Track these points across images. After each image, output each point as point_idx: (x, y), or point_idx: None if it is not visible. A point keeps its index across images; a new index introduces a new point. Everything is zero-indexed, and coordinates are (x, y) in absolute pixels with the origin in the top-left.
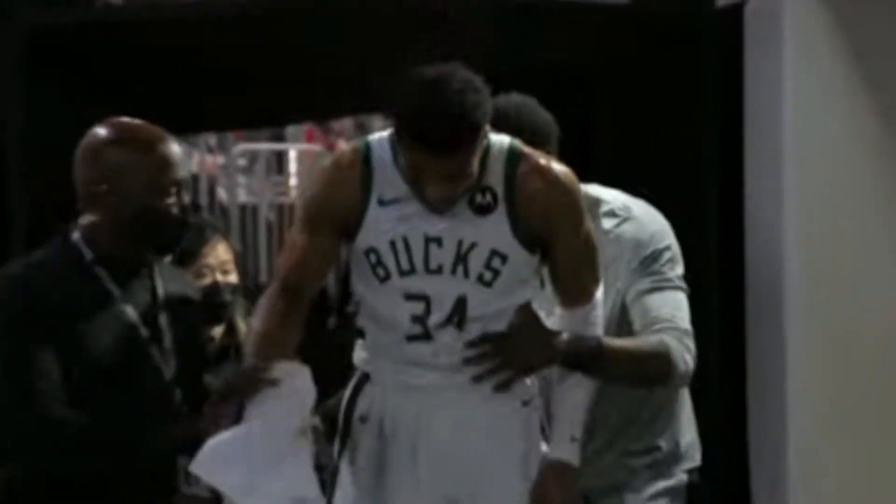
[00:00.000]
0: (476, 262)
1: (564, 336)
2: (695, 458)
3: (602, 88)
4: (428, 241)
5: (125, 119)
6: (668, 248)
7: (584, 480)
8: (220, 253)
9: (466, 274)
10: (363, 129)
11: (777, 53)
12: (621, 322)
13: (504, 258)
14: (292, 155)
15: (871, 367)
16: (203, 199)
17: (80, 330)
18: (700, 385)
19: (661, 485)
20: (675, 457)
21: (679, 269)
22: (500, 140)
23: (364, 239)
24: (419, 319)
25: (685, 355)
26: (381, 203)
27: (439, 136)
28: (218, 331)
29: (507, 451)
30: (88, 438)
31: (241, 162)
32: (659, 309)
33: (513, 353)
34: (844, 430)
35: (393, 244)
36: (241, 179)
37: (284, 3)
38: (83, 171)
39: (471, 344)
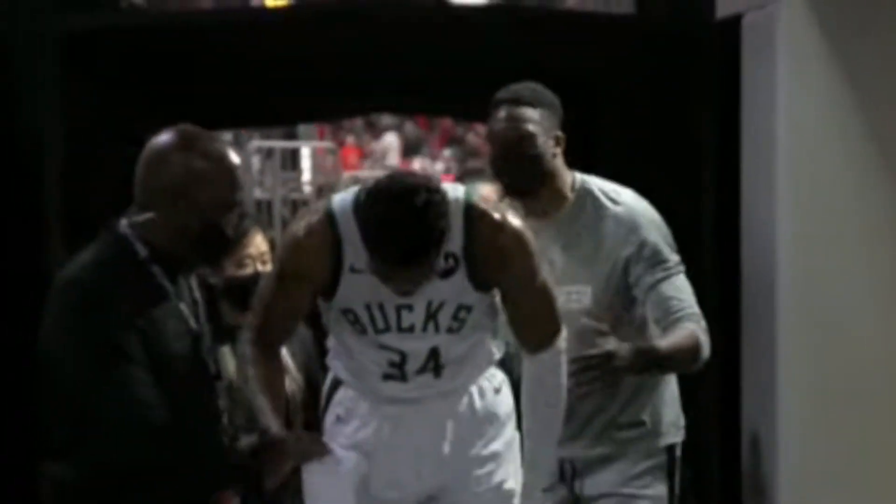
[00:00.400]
0: (445, 317)
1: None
2: (676, 435)
3: (606, 94)
4: (399, 307)
5: (196, 129)
6: (664, 235)
7: (572, 452)
8: (258, 243)
9: (437, 329)
10: (372, 127)
11: (771, 62)
12: (617, 288)
13: (469, 308)
14: (305, 152)
15: (858, 361)
16: None
17: (145, 325)
18: (697, 376)
19: (646, 464)
20: (658, 433)
21: (675, 253)
22: (455, 197)
23: (340, 300)
24: (396, 366)
25: (706, 337)
26: (353, 271)
27: (403, 254)
28: None
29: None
30: (174, 432)
31: (256, 158)
32: (672, 297)
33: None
34: (832, 421)
35: (368, 307)
36: (256, 176)
37: (294, 13)
38: (152, 172)
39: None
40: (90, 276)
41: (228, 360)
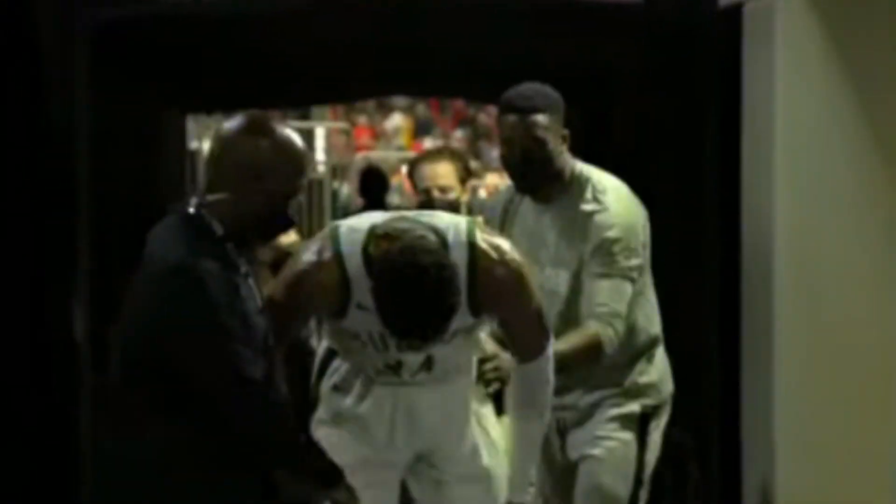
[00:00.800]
0: (443, 337)
1: None
2: (652, 396)
3: (611, 81)
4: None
5: (267, 115)
6: (624, 239)
7: (560, 413)
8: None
9: (434, 343)
10: (384, 108)
11: (770, 49)
12: (574, 284)
13: (468, 330)
14: (319, 132)
15: (853, 347)
16: None
17: (237, 303)
18: (700, 360)
19: (614, 412)
20: (634, 392)
21: (632, 261)
22: (457, 231)
23: (346, 325)
24: (392, 367)
25: (612, 337)
26: (360, 307)
27: (418, 334)
28: None
29: (464, 415)
30: (284, 411)
31: None
32: (597, 295)
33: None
34: (827, 404)
35: (371, 334)
36: None
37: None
38: (227, 155)
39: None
40: (187, 260)
41: None
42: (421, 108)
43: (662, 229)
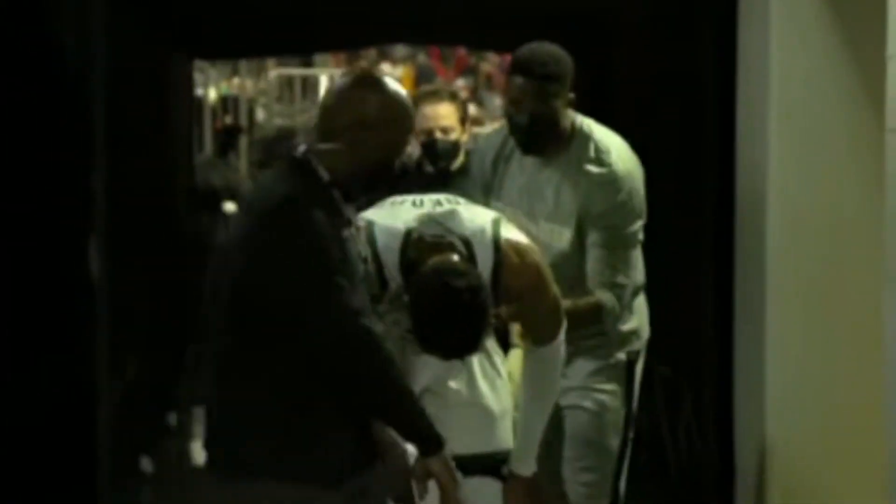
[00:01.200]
0: None
1: None
2: (634, 343)
3: (616, 43)
4: None
5: (380, 72)
6: (629, 204)
7: None
8: None
9: None
10: (385, 56)
11: (765, 6)
12: (575, 242)
13: None
14: (322, 79)
15: (842, 291)
16: (243, 121)
17: (342, 247)
18: (694, 303)
19: (601, 363)
20: (619, 341)
21: (637, 225)
22: (483, 234)
23: (381, 309)
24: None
25: (614, 307)
26: (392, 301)
27: (450, 355)
28: None
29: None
30: (391, 355)
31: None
32: (606, 265)
33: None
34: (818, 345)
35: (398, 324)
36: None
37: None
38: (347, 107)
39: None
40: (295, 195)
41: None
42: (422, 57)
43: (659, 176)
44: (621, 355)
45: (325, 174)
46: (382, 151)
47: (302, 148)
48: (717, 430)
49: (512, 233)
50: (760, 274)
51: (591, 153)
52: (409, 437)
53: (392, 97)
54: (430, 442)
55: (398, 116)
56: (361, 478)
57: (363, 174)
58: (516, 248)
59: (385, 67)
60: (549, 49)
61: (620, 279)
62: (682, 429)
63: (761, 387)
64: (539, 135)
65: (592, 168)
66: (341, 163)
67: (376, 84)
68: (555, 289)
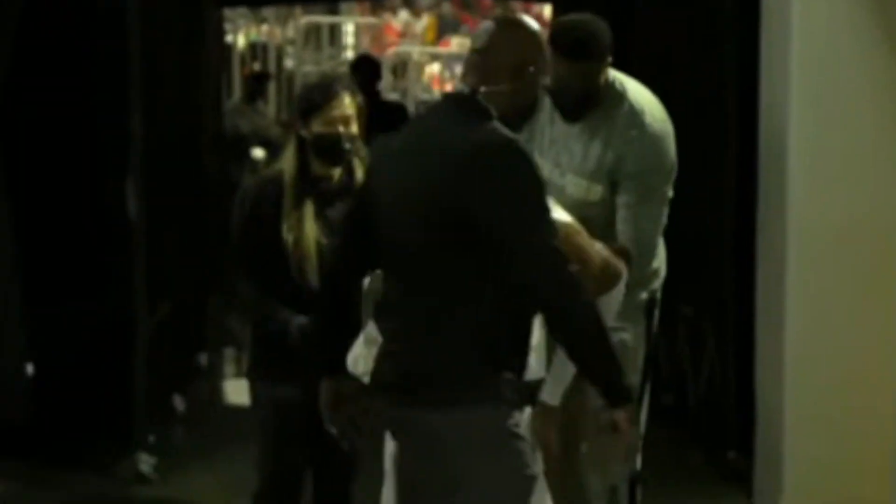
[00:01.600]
0: None
1: None
2: (654, 282)
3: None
4: None
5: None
6: (661, 163)
7: None
8: (345, 105)
9: None
10: (409, 4)
11: None
12: (606, 198)
13: None
14: (349, 28)
15: (864, 242)
16: (272, 67)
17: None
18: (718, 242)
19: (628, 304)
20: (641, 281)
21: (668, 185)
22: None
23: None
24: None
25: (643, 259)
26: None
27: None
28: (336, 171)
29: None
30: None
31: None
32: (636, 224)
33: None
34: (837, 282)
35: None
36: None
37: None
38: (514, 49)
39: None
40: (515, 136)
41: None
42: (446, 7)
43: (682, 120)
44: (643, 295)
45: (494, 112)
46: (536, 89)
47: (465, 89)
48: (737, 370)
49: (555, 213)
50: (782, 216)
51: (625, 113)
52: (601, 384)
53: (539, 37)
54: (621, 393)
55: (545, 54)
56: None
57: (520, 112)
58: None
59: (403, 15)
60: (589, 27)
61: (649, 237)
62: (705, 368)
63: (781, 327)
64: (583, 106)
65: (626, 129)
66: (504, 102)
67: (528, 27)
68: (597, 258)
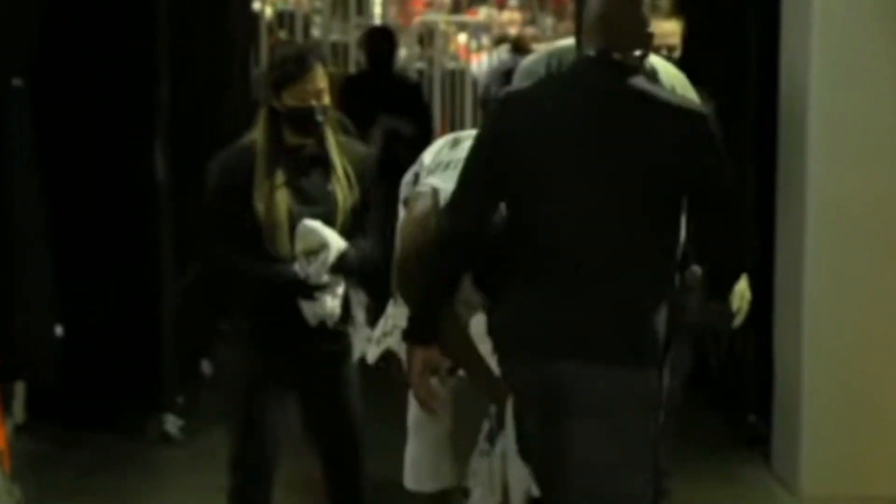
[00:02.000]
0: None
1: None
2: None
3: None
4: None
5: None
6: None
7: None
8: (318, 78)
9: None
10: None
11: None
12: None
13: None
14: None
15: (883, 214)
16: (299, 37)
17: None
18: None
19: None
20: None
21: None
22: None
23: None
24: None
25: None
26: None
27: None
28: (309, 140)
29: None
30: None
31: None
32: None
33: None
34: (855, 247)
35: None
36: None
37: None
38: (639, 18)
39: None
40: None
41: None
42: None
43: (704, 93)
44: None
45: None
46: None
47: (602, 53)
48: (757, 336)
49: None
50: (801, 188)
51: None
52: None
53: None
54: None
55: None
56: None
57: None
58: None
59: None
60: None
61: None
62: (725, 335)
63: (800, 294)
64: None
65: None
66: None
67: None
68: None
